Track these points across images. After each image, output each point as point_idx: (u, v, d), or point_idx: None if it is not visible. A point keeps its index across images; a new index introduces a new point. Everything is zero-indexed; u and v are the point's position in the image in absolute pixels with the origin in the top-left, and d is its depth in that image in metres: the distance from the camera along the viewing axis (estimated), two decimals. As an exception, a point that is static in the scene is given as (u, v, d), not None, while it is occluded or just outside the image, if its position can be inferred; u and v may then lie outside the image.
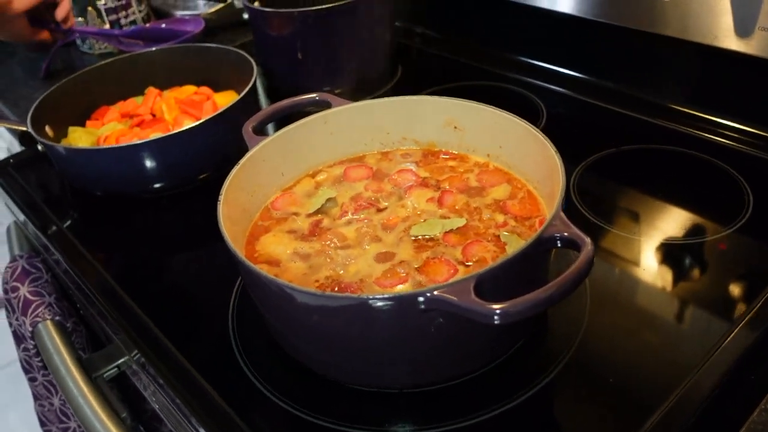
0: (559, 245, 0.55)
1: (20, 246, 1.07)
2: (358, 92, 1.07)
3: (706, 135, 0.91)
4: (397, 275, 0.62)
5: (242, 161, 0.69)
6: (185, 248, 0.87)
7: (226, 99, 1.04)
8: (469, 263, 0.63)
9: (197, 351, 0.69)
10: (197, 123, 0.89)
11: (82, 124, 1.07)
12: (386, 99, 0.78)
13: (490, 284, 0.52)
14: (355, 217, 0.70)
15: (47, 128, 1.01)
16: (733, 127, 0.91)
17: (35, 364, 1.01)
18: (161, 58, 1.12)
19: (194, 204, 0.93)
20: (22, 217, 1.02)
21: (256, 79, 0.97)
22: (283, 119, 0.79)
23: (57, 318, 0.90)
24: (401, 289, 0.60)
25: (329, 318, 0.55)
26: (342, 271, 0.63)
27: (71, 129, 1.04)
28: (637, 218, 0.80)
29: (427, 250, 0.65)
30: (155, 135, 0.92)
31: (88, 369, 0.81)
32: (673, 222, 0.79)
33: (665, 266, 0.72)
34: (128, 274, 0.82)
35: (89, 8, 1.32)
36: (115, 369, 0.82)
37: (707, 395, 0.57)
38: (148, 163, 0.90)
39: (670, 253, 0.74)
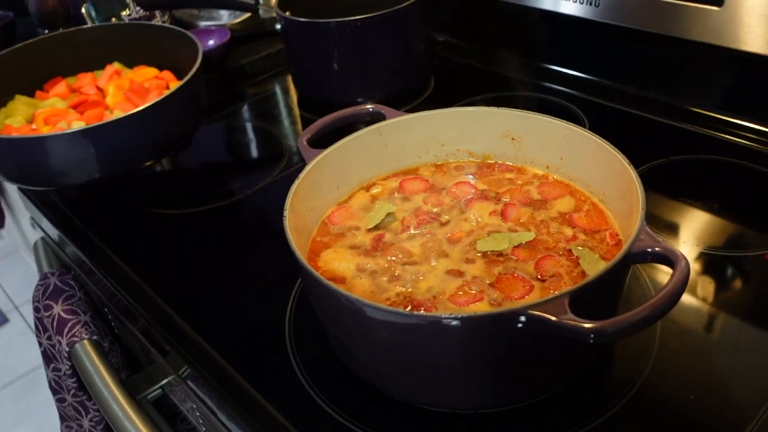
0: (649, 260, 0.53)
1: (49, 263, 1.04)
2: (393, 103, 1.05)
3: (754, 145, 0.90)
4: (471, 292, 0.60)
5: (302, 174, 0.67)
6: (231, 260, 0.85)
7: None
8: (544, 279, 0.61)
9: (254, 367, 0.67)
10: (115, 118, 0.85)
11: (33, 94, 1.05)
12: (442, 110, 0.76)
13: (581, 301, 0.50)
14: (417, 231, 0.69)
15: None
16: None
17: (67, 385, 0.98)
18: (125, 34, 1.09)
19: (237, 216, 0.92)
20: (54, 232, 0.99)
21: (200, 67, 0.93)
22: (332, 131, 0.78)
23: (95, 337, 0.87)
24: (478, 306, 0.59)
25: (413, 338, 0.53)
26: (412, 289, 0.61)
27: (17, 97, 1.01)
28: (698, 232, 0.78)
29: (497, 265, 0.63)
30: (76, 125, 0.90)
31: (131, 390, 0.78)
32: (736, 236, 0.77)
33: (721, 281, 0.71)
34: (173, 289, 0.80)
35: (113, 19, 1.30)
36: (159, 390, 0.80)
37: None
38: (56, 155, 0.85)
39: (735, 268, 0.72)
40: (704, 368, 0.62)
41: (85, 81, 1.07)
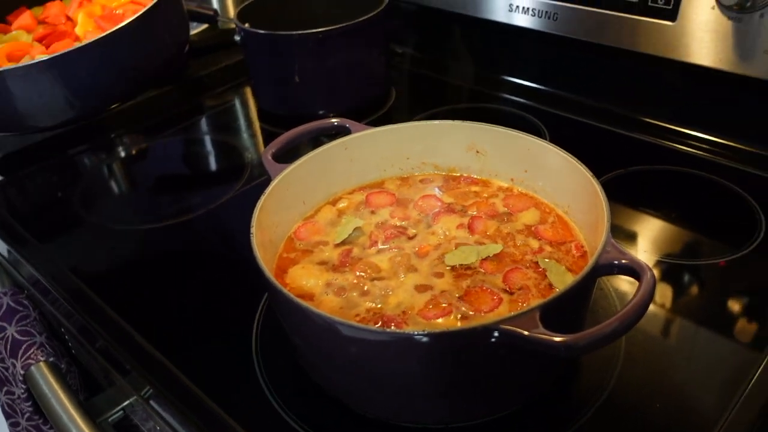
0: (615, 272, 0.54)
1: (1, 282, 1.00)
2: (355, 115, 1.05)
3: (717, 157, 0.93)
4: (440, 306, 0.60)
5: (268, 189, 0.66)
6: (193, 277, 0.83)
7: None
8: (512, 292, 0.61)
9: (219, 385, 0.65)
10: (81, 44, 0.76)
11: None
12: (407, 124, 0.76)
13: (551, 314, 0.50)
14: (385, 246, 0.68)
15: None
16: (743, 149, 0.93)
17: (21, 409, 0.94)
18: None
19: (199, 231, 0.90)
20: (4, 248, 0.96)
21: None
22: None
23: (51, 359, 0.84)
24: (447, 321, 0.59)
25: (384, 355, 0.53)
26: (381, 304, 0.61)
27: None
28: (656, 240, 0.80)
29: (466, 279, 0.63)
30: (37, 57, 0.81)
31: (91, 413, 0.76)
32: (692, 244, 0.79)
33: (690, 290, 0.73)
34: (133, 307, 0.77)
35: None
36: (120, 412, 0.78)
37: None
38: (19, 92, 0.77)
39: (692, 275, 0.74)
40: (668, 375, 0.63)
41: (52, 10, 0.97)
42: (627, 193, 0.88)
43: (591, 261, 0.53)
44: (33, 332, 0.88)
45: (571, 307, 0.55)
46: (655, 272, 0.72)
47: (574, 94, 1.08)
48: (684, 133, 0.98)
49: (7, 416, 1.01)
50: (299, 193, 0.72)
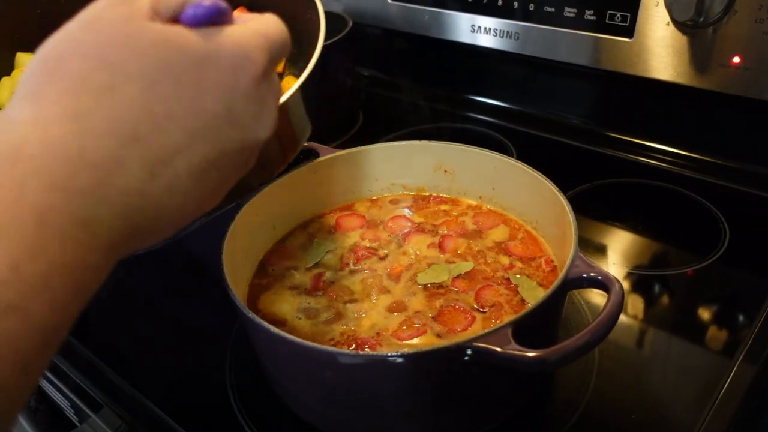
0: (585, 285, 0.55)
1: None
2: (322, 139, 1.05)
3: (679, 169, 0.95)
4: (414, 326, 0.60)
5: (238, 216, 0.66)
6: (163, 306, 0.81)
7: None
8: (485, 309, 0.61)
9: (194, 417, 0.64)
10: None
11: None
12: (375, 146, 0.77)
13: (523, 330, 0.51)
14: (357, 267, 0.68)
15: None
16: (705, 160, 0.95)
17: (-11, 450, 0.92)
18: None
19: (168, 260, 0.88)
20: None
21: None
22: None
23: (19, 397, 0.82)
24: (421, 340, 0.59)
25: (359, 378, 0.53)
26: (355, 327, 0.61)
27: (19, 56, 0.72)
28: (625, 252, 0.81)
29: (439, 298, 0.63)
30: None
31: (62, 452, 0.74)
32: (660, 254, 0.81)
33: (652, 303, 0.74)
34: (102, 340, 0.76)
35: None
36: (93, 449, 0.76)
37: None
38: None
39: (661, 285, 0.75)
40: (642, 385, 0.64)
41: None
42: (594, 206, 0.89)
43: (560, 275, 0.54)
44: (-1, 371, 0.86)
45: (542, 322, 0.56)
46: (625, 284, 0.74)
47: (539, 112, 1.10)
48: (647, 146, 1.00)
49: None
50: (269, 218, 0.72)
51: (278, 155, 0.64)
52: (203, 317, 0.77)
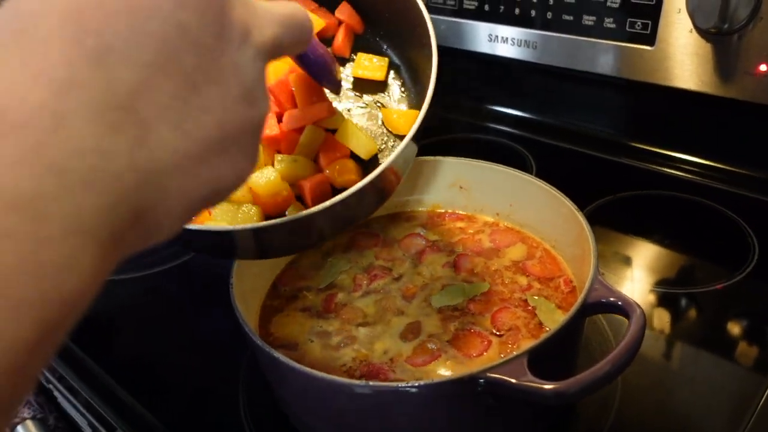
0: (604, 311, 0.53)
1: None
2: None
3: (705, 180, 0.92)
4: (429, 351, 0.58)
5: (248, 238, 0.65)
6: (178, 327, 0.81)
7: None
8: (501, 333, 0.60)
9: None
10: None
11: None
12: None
13: (539, 359, 0.49)
14: (370, 288, 0.67)
15: None
16: (732, 171, 0.92)
17: (10, 467, 0.92)
18: None
19: (184, 279, 0.88)
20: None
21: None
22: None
23: (38, 416, 0.82)
24: (435, 366, 0.57)
25: (370, 407, 0.51)
26: (368, 351, 0.59)
27: None
28: (651, 267, 0.79)
29: (454, 321, 0.62)
30: None
31: (78, 472, 0.74)
32: (687, 268, 0.78)
33: (680, 318, 0.71)
34: (117, 361, 0.76)
35: None
36: (109, 469, 0.75)
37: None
38: None
39: (689, 301, 0.73)
40: (670, 407, 0.61)
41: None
42: (618, 219, 0.87)
43: (578, 301, 0.52)
44: (19, 389, 0.86)
45: (560, 350, 0.54)
46: (651, 299, 0.71)
47: (559, 122, 1.08)
48: (672, 156, 0.97)
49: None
50: (282, 238, 0.71)
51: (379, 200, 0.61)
52: (218, 337, 0.76)
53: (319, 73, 0.59)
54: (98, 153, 0.24)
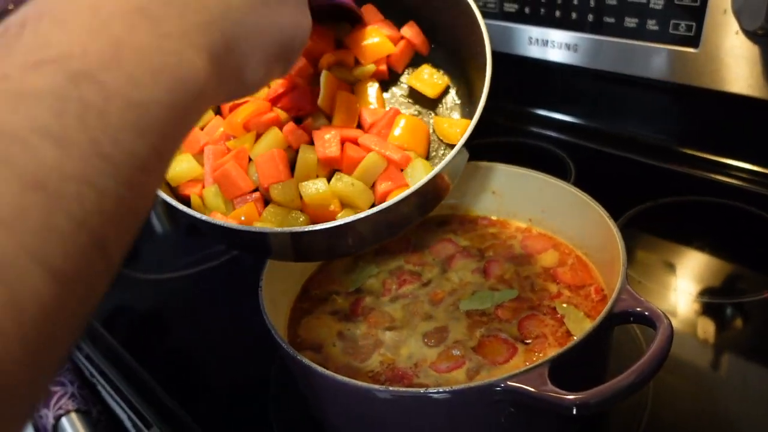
0: (631, 321, 0.52)
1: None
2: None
3: (753, 186, 0.89)
4: (453, 357, 0.58)
5: (279, 242, 0.66)
6: (213, 324, 0.83)
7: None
8: (528, 341, 0.59)
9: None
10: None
11: None
12: (420, 166, 0.75)
13: (562, 368, 0.48)
14: (399, 292, 0.67)
15: None
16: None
17: (56, 457, 0.96)
18: None
19: (221, 279, 0.90)
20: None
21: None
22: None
23: (82, 408, 0.86)
24: (458, 374, 0.57)
25: (391, 412, 0.51)
26: (393, 356, 0.60)
27: None
28: (684, 275, 0.77)
29: (480, 327, 0.61)
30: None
31: (117, 464, 0.76)
32: (732, 277, 0.76)
33: (721, 324, 0.69)
34: (156, 360, 0.78)
35: None
36: (146, 462, 0.78)
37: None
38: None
39: (727, 312, 0.70)
40: (712, 417, 0.59)
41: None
42: (662, 225, 0.84)
43: (604, 311, 0.51)
44: (65, 382, 0.90)
45: (585, 359, 0.53)
46: (696, 308, 0.69)
47: (601, 126, 1.06)
48: (719, 162, 0.94)
49: (45, 464, 1.03)
50: (313, 241, 0.72)
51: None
52: (251, 339, 0.78)
53: None
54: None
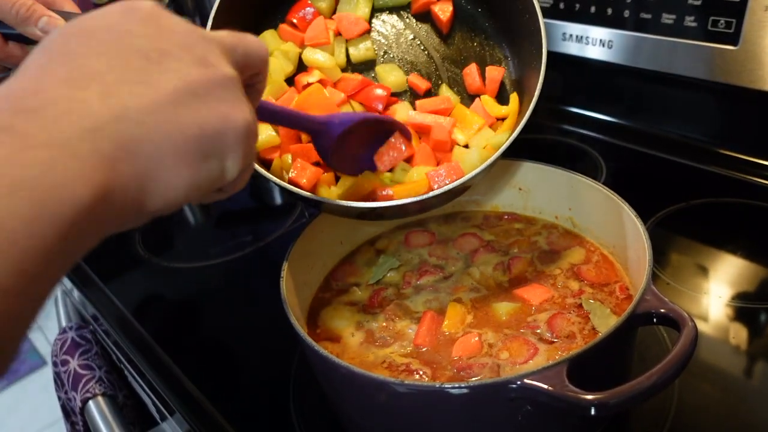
0: (654, 322, 0.51)
1: (68, 316, 1.05)
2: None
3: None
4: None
5: (302, 233, 0.66)
6: (238, 313, 0.84)
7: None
8: (555, 340, 0.58)
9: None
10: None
11: (275, 24, 0.74)
12: (447, 162, 0.74)
13: (581, 367, 0.47)
14: (419, 283, 0.67)
15: None
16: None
17: (84, 439, 0.98)
18: None
19: (248, 269, 0.91)
20: (69, 285, 1.00)
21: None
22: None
23: (109, 393, 0.87)
24: (479, 370, 0.56)
25: (408, 406, 0.51)
26: (411, 349, 0.59)
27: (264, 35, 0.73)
28: (717, 279, 0.75)
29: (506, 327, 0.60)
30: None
31: (139, 448, 0.77)
32: (753, 281, 0.73)
33: (753, 330, 0.67)
34: (180, 347, 0.79)
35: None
36: (168, 447, 0.79)
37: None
38: None
39: (754, 315, 0.68)
40: (738, 421, 0.58)
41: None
42: (691, 227, 0.82)
43: (627, 311, 0.50)
44: (93, 366, 0.92)
45: (607, 359, 0.52)
46: (727, 311, 0.68)
47: (633, 124, 1.04)
48: (756, 163, 0.91)
49: (73, 445, 1.05)
50: (336, 234, 0.72)
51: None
52: (274, 329, 0.78)
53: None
54: (71, 100, 0.33)
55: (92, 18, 0.37)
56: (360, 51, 0.71)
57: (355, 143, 0.62)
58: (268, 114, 0.54)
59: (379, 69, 0.71)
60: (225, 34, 0.42)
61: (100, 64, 0.35)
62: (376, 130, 0.65)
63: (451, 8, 0.71)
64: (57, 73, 0.34)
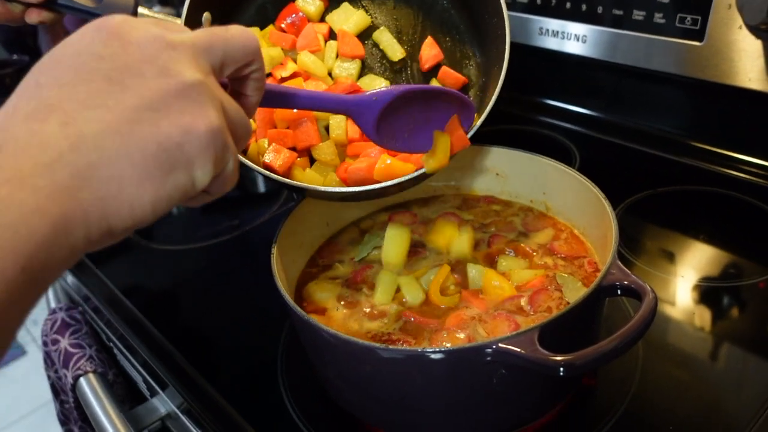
0: (619, 293, 0.55)
1: (56, 297, 1.08)
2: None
3: (745, 176, 0.91)
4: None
5: (291, 214, 0.69)
6: (226, 293, 0.87)
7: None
8: (535, 313, 0.62)
9: (247, 402, 0.69)
10: None
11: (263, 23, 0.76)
12: (428, 148, 0.78)
13: (552, 334, 0.51)
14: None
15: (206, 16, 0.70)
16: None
17: (74, 417, 1.01)
18: None
19: (236, 250, 0.94)
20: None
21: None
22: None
23: (99, 370, 0.90)
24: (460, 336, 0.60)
25: (389, 372, 0.55)
26: (394, 323, 0.63)
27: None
28: (683, 262, 0.79)
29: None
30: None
31: (132, 422, 0.80)
32: (717, 264, 0.78)
33: (716, 310, 0.72)
34: (172, 324, 0.82)
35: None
36: (159, 422, 0.82)
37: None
38: None
39: (718, 296, 0.73)
40: (693, 393, 0.63)
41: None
42: (661, 213, 0.87)
43: (594, 282, 0.54)
44: (83, 345, 0.94)
45: (575, 327, 0.56)
46: (694, 294, 0.72)
47: (607, 116, 1.08)
48: (719, 153, 0.96)
49: (62, 423, 1.07)
50: (323, 215, 0.75)
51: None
52: (263, 306, 0.82)
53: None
54: (31, 134, 0.34)
55: (65, 45, 0.38)
56: (344, 71, 0.75)
57: (404, 119, 0.59)
58: (288, 98, 0.52)
59: (361, 83, 0.75)
60: (199, 34, 0.42)
61: (62, 93, 0.36)
62: (426, 102, 0.60)
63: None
64: (22, 109, 0.35)
